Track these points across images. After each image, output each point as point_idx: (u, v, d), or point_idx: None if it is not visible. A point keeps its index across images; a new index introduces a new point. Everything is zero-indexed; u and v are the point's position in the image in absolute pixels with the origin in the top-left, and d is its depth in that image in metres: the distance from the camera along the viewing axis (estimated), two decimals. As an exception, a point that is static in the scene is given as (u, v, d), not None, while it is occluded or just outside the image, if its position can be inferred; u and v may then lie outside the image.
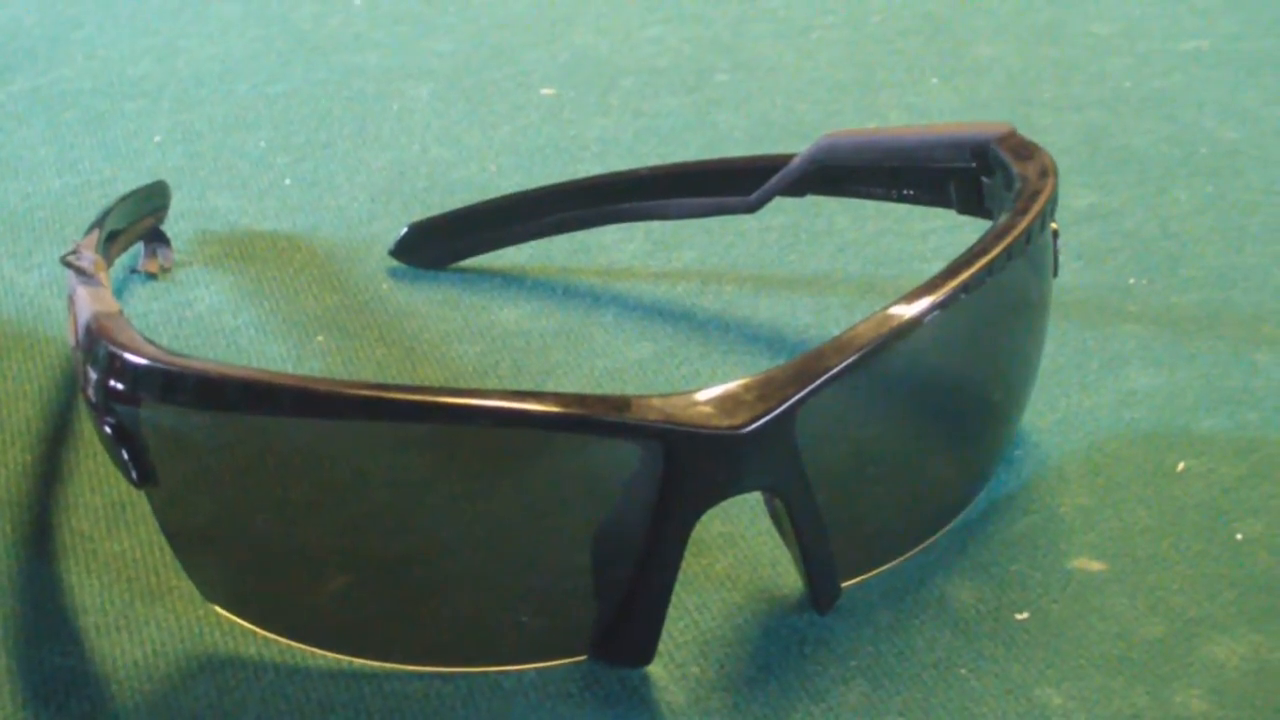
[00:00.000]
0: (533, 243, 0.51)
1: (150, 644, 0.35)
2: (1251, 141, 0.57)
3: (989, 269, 0.35)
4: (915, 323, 0.34)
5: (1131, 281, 0.48)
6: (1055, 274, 0.40)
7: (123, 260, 0.50)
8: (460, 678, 0.34)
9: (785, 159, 0.46)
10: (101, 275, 0.38)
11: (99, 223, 0.44)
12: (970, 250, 0.36)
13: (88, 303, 0.35)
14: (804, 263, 0.50)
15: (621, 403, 0.32)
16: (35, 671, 0.34)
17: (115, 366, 0.33)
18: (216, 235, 0.53)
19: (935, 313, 0.34)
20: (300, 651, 0.35)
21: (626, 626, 0.34)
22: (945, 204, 0.43)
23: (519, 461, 0.32)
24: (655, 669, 0.34)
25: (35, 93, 0.64)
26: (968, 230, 0.40)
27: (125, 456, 0.33)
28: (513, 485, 0.32)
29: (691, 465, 0.32)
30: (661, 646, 0.34)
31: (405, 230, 0.51)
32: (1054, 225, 0.39)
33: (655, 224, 0.52)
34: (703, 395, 0.32)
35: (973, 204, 0.42)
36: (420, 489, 0.33)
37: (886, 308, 0.34)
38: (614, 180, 0.50)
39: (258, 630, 0.35)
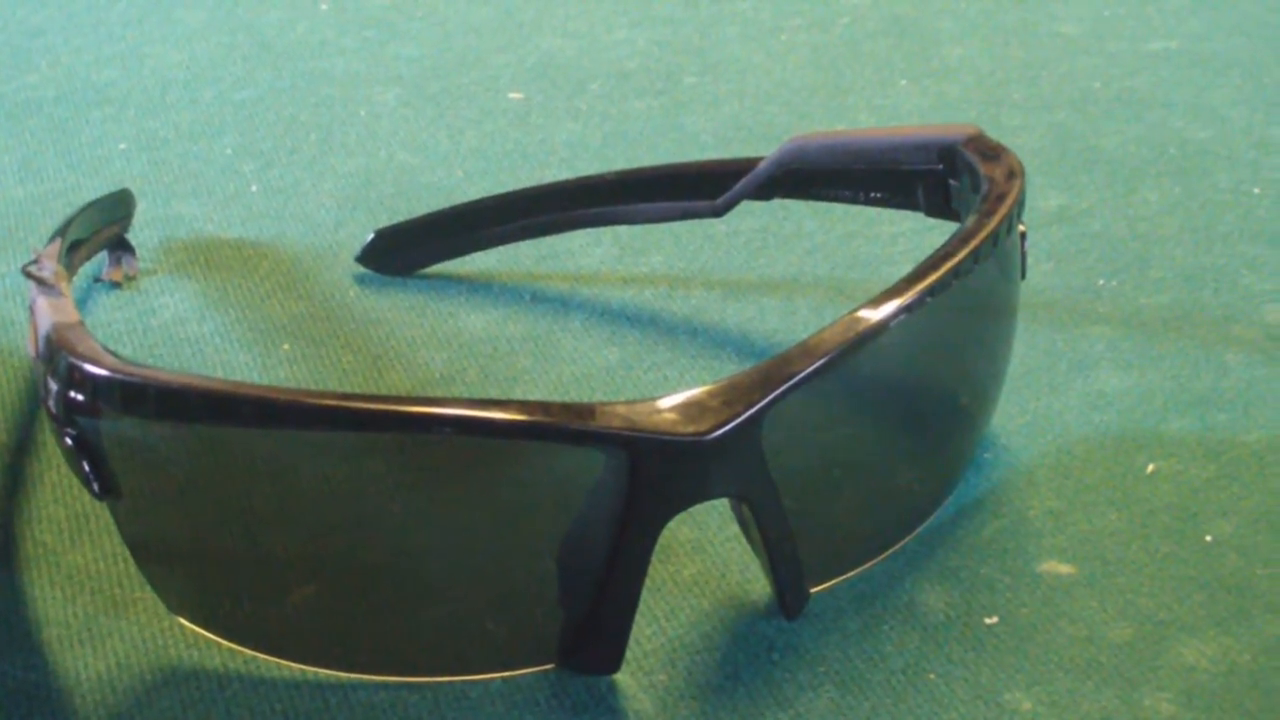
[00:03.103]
0: (500, 248, 0.51)
1: (114, 656, 0.35)
2: (1220, 141, 0.57)
3: (955, 272, 0.35)
4: (882, 327, 0.34)
5: (1100, 283, 0.48)
6: (1023, 276, 0.40)
7: (87, 269, 0.50)
8: (427, 688, 0.34)
9: (753, 162, 0.45)
10: (63, 285, 0.38)
11: (61, 231, 0.44)
12: (936, 253, 0.36)
13: (48, 313, 0.35)
14: (772, 267, 0.50)
15: (585, 410, 0.31)
16: (-3, 686, 0.34)
17: (75, 378, 0.32)
18: (182, 243, 0.52)
19: (902, 316, 0.34)
20: (265, 662, 0.34)
21: (594, 634, 0.33)
22: (913, 207, 0.43)
23: (484, 470, 0.32)
24: (623, 677, 0.34)
25: (-1, 101, 0.64)
26: (937, 233, 0.40)
27: (87, 468, 0.33)
28: (478, 494, 0.32)
29: (657, 473, 0.32)
30: (629, 654, 0.34)
31: (372, 237, 0.50)
32: (1021, 227, 0.39)
33: (623, 229, 0.52)
34: (667, 402, 0.32)
35: (940, 206, 0.42)
36: (385, 499, 0.32)
37: (853, 312, 0.34)
38: (581, 185, 0.50)
39: (222, 642, 0.35)
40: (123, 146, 0.60)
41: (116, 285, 0.50)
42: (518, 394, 0.44)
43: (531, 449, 0.32)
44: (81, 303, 0.48)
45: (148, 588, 0.35)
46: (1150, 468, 0.40)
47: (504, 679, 0.34)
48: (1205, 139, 0.57)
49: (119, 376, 0.32)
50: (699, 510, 0.34)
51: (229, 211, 0.55)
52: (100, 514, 0.39)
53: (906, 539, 0.38)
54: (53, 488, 0.40)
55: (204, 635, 0.35)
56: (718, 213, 0.47)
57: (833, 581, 0.36)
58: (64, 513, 0.39)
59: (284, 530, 0.33)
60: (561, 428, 0.31)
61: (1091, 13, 0.70)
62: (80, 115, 0.63)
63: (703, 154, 0.58)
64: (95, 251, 0.48)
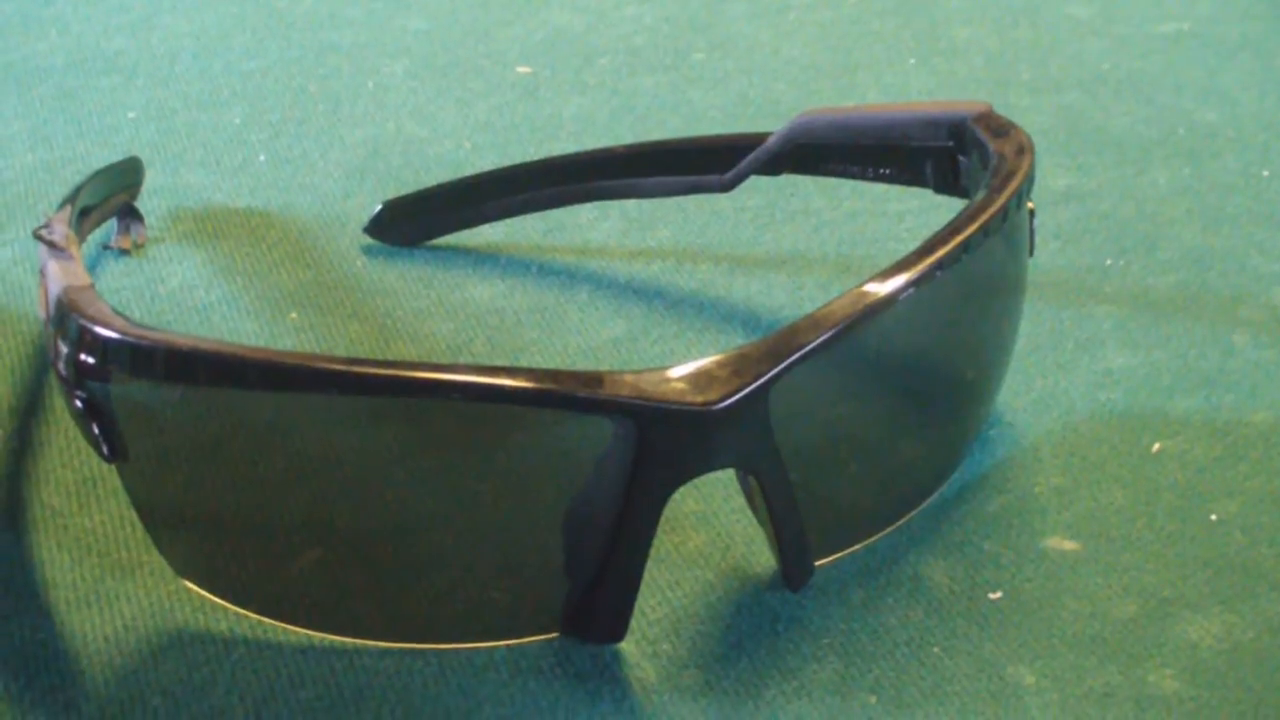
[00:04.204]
0: (507, 221, 0.51)
1: (120, 619, 0.35)
2: (1229, 124, 0.57)
3: (964, 246, 0.35)
4: (890, 300, 0.34)
5: (1108, 262, 0.48)
6: (1031, 253, 0.40)
7: (95, 236, 0.50)
8: (432, 654, 0.34)
9: (761, 137, 0.45)
10: (73, 249, 0.38)
11: (71, 198, 0.44)
12: (946, 228, 0.36)
13: (59, 276, 0.35)
14: (779, 242, 0.50)
15: (594, 378, 0.31)
16: (4, 646, 0.34)
17: (85, 340, 0.32)
18: (190, 212, 0.52)
19: (910, 290, 0.34)
20: (271, 627, 0.35)
21: (598, 603, 0.33)
22: (922, 183, 0.43)
23: (491, 437, 0.32)
24: (627, 646, 0.34)
25: (8, 68, 0.64)
26: (944, 211, 0.40)
27: (96, 431, 0.33)
28: (485, 461, 0.32)
29: (664, 442, 0.32)
30: (633, 624, 0.34)
31: (379, 208, 0.50)
32: (1030, 204, 0.39)
33: (630, 202, 0.52)
34: (676, 372, 0.32)
35: (949, 183, 0.42)
36: (392, 465, 0.32)
37: (861, 285, 0.34)
38: (589, 158, 0.50)
39: (229, 606, 0.35)
40: (132, 115, 0.60)
41: (125, 252, 0.50)
42: (525, 364, 0.44)
43: (539, 417, 0.32)
44: (90, 269, 0.48)
45: (155, 551, 0.35)
46: (1156, 446, 0.40)
47: (509, 647, 0.34)
48: (1215, 121, 0.57)
49: (130, 339, 0.32)
50: (705, 482, 0.35)
51: (237, 181, 0.55)
52: (108, 478, 0.39)
53: (912, 513, 0.38)
54: (61, 451, 0.40)
55: (211, 599, 0.35)
56: (725, 188, 0.47)
57: (838, 554, 0.36)
58: (72, 476, 0.39)
59: (291, 495, 0.33)
60: (570, 395, 0.31)
61: (1101, -6, 0.70)
62: (90, 83, 0.63)
63: (710, 130, 0.58)
64: (104, 218, 0.49)
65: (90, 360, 0.32)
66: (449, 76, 0.63)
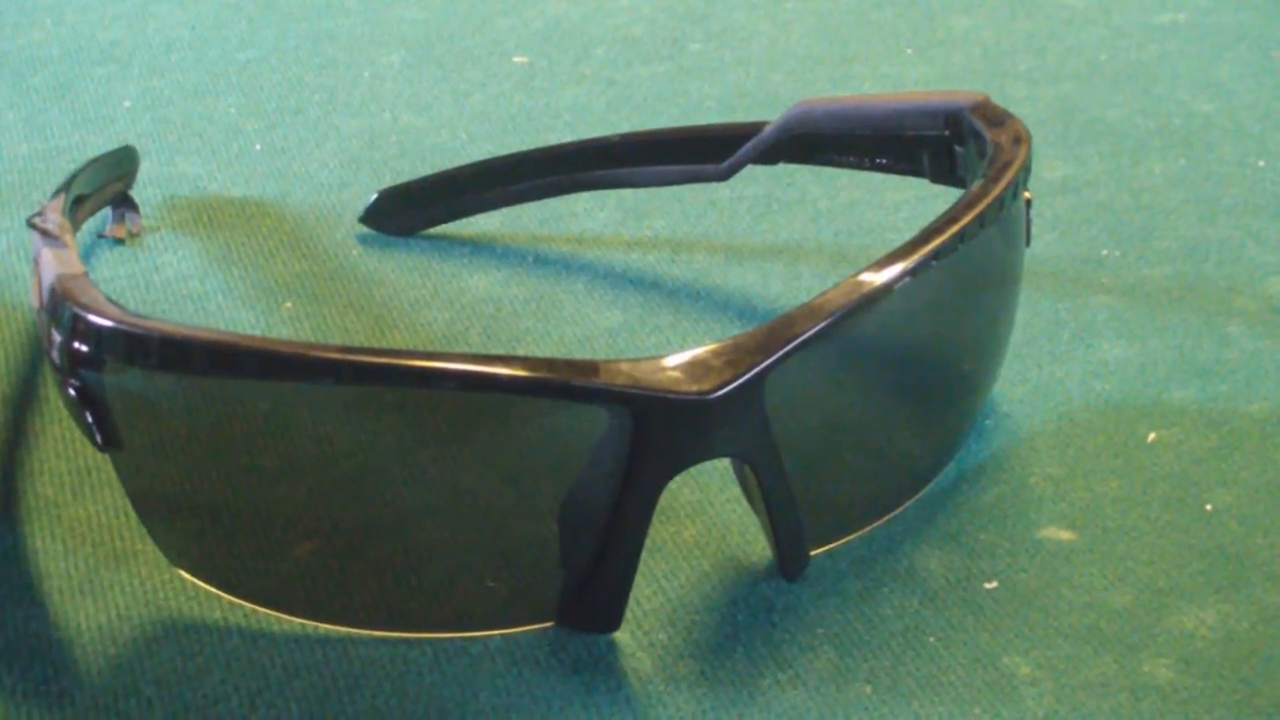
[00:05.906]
0: (503, 210, 0.51)
1: (115, 608, 0.35)
2: (1225, 114, 0.57)
3: (960, 236, 0.35)
4: (885, 289, 0.34)
5: (1104, 253, 0.48)
6: (1028, 243, 0.39)
7: (90, 225, 0.50)
8: (426, 643, 0.34)
9: (758, 127, 0.45)
10: (67, 237, 0.37)
11: (66, 186, 0.44)
12: (942, 217, 0.36)
13: (52, 264, 0.35)
14: (776, 232, 0.50)
15: (589, 367, 0.31)
16: (-2, 636, 0.34)
17: (79, 328, 0.32)
18: (185, 201, 0.52)
19: (906, 280, 0.34)
20: (266, 616, 0.34)
21: (594, 593, 0.33)
22: (918, 173, 0.43)
23: (486, 426, 0.32)
24: (622, 636, 0.34)
25: (2, 58, 0.64)
26: (940, 201, 0.40)
27: (89, 420, 0.33)
28: (480, 450, 0.32)
29: (659, 431, 0.32)
30: (629, 613, 0.34)
31: (375, 197, 0.50)
32: (1027, 194, 0.38)
33: (626, 192, 0.52)
34: (671, 361, 0.32)
35: (945, 172, 0.42)
36: (387, 454, 0.32)
37: (857, 274, 0.34)
38: (585, 148, 0.50)
39: (223, 595, 0.35)
40: (127, 105, 0.60)
41: (120, 242, 0.49)
42: (521, 354, 0.44)
43: (535, 405, 0.32)
44: (85, 258, 0.48)
45: (149, 540, 0.35)
46: (1151, 436, 0.40)
47: (504, 636, 0.34)
48: (1211, 112, 0.57)
49: (123, 327, 0.32)
50: (700, 471, 0.34)
51: (232, 170, 0.54)
52: (102, 468, 0.39)
53: (907, 503, 0.38)
54: (55, 441, 0.40)
55: (205, 588, 0.35)
56: (722, 177, 0.47)
57: (833, 544, 0.36)
58: (66, 466, 0.39)
59: (286, 484, 0.33)
60: (565, 384, 0.31)
61: (1098, -15, 0.70)
62: (85, 73, 0.62)
63: (707, 121, 0.58)
64: (99, 207, 0.48)
65: (84, 348, 0.32)
66: (445, 66, 0.63)
